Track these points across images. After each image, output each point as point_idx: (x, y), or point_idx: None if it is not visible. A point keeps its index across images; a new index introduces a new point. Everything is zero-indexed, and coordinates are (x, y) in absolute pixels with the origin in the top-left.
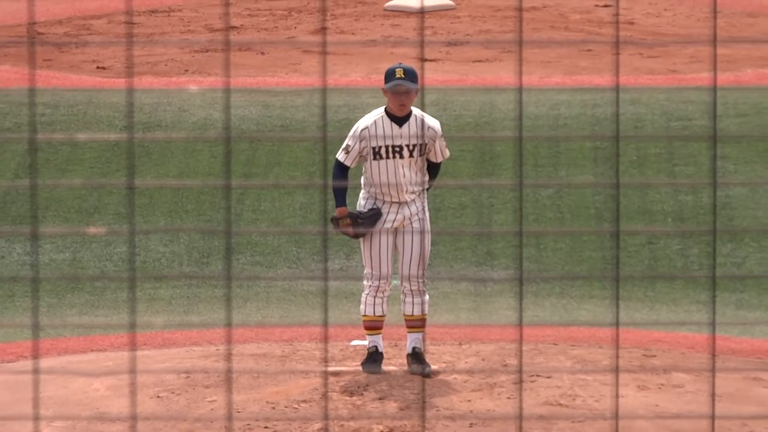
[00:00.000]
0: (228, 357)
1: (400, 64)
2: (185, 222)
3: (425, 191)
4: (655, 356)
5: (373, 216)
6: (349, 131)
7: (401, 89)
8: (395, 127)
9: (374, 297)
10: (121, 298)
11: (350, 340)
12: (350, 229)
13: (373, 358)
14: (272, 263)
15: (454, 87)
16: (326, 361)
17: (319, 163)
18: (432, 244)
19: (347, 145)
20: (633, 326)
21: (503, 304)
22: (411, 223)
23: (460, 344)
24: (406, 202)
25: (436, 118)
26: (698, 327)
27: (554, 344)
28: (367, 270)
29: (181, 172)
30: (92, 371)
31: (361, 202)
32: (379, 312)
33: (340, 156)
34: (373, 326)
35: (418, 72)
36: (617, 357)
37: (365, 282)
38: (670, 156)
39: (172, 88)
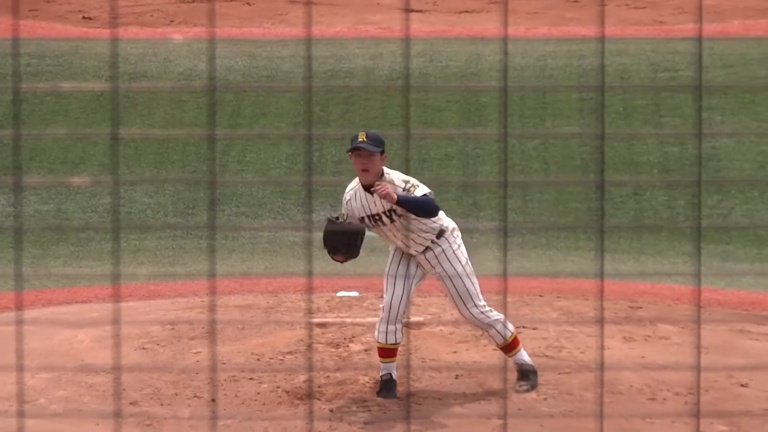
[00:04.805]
0: (213, 308)
1: (365, 132)
2: (170, 173)
3: (449, 234)
4: (641, 308)
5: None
6: (333, 82)
7: (363, 153)
8: (369, 197)
9: (386, 324)
10: (106, 249)
11: (336, 291)
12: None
13: (388, 386)
14: (257, 214)
15: (441, 38)
16: (311, 313)
17: (305, 114)
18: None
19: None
20: (619, 278)
21: (489, 256)
22: (442, 265)
23: (446, 296)
24: (426, 251)
25: (422, 68)
26: (684, 278)
27: (540, 296)
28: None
29: (166, 122)
30: (77, 322)
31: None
32: (392, 340)
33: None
34: (387, 354)
35: (404, 23)
36: (602, 309)
37: (381, 305)
38: (656, 107)
39: (157, 38)
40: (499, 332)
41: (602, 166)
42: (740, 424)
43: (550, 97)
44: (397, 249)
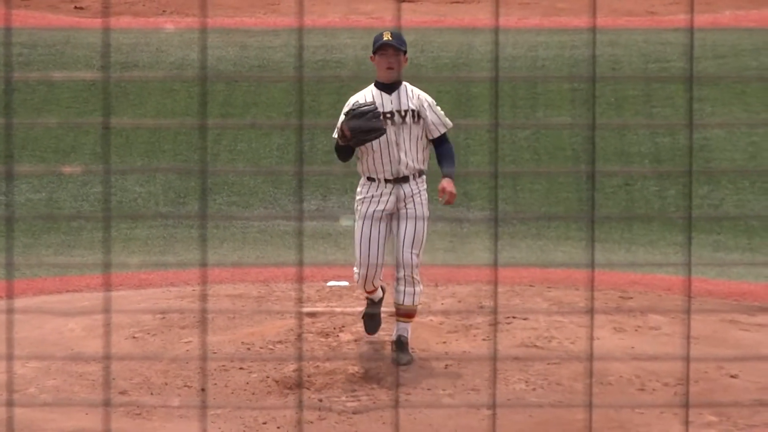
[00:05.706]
0: (203, 298)
1: (387, 28)
2: (162, 162)
3: (425, 181)
4: (631, 298)
5: (368, 113)
6: (324, 72)
7: (390, 51)
8: (384, 95)
9: (363, 286)
10: (97, 238)
11: (326, 280)
12: (346, 129)
13: (372, 319)
14: (248, 203)
15: (432, 28)
16: (302, 302)
17: (296, 104)
18: None
19: (340, 121)
20: (609, 268)
21: (479, 245)
22: (406, 206)
23: (437, 285)
24: (403, 181)
25: (413, 59)
26: (675, 269)
27: (530, 286)
28: (356, 257)
29: (157, 112)
30: (67, 311)
31: (358, 189)
32: (374, 286)
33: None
34: (371, 292)
35: (396, 13)
36: (593, 299)
37: (355, 269)
38: (647, 98)
39: (149, 28)
40: (416, 294)
41: (593, 157)
42: (729, 414)
43: (541, 88)
44: (367, 230)
